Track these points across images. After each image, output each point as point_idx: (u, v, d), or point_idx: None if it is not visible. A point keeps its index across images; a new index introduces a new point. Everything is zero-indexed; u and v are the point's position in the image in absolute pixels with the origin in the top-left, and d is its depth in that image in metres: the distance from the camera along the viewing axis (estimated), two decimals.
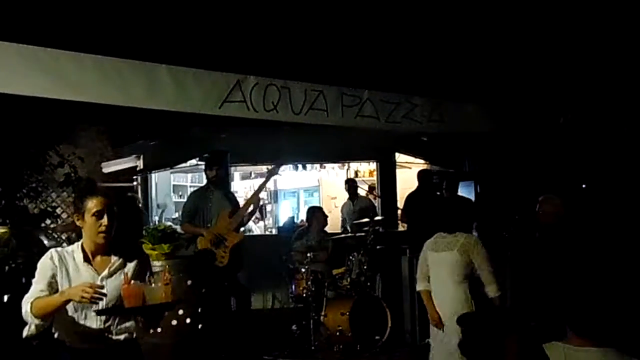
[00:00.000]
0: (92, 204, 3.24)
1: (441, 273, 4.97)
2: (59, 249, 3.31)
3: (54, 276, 3.20)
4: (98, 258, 3.33)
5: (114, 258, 3.36)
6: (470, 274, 4.88)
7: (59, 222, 11.29)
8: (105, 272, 3.31)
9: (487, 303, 4.86)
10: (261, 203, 9.23)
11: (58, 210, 11.67)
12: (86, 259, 3.29)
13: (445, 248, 4.96)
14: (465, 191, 10.96)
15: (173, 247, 5.93)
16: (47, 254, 3.27)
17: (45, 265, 3.21)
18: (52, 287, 3.18)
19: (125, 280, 3.18)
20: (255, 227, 11.53)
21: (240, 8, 6.58)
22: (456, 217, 5.17)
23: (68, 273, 3.23)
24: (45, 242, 8.30)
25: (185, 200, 8.08)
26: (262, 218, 12.08)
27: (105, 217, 3.25)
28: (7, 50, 5.17)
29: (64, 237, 9.23)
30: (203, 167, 7.60)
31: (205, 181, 7.37)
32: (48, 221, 11.04)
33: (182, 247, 6.46)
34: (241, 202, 7.34)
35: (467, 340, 4.51)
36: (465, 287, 4.86)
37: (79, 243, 3.34)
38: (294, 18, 6.76)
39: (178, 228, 6.93)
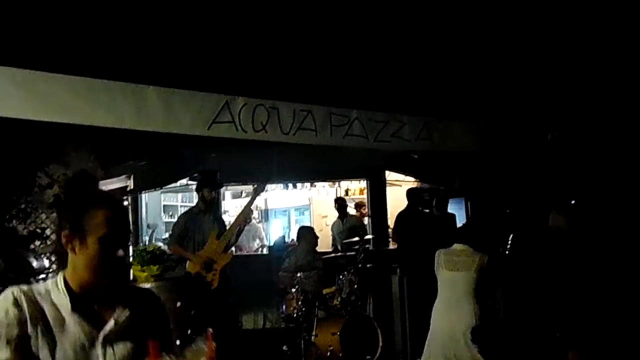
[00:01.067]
0: (99, 222, 1.99)
1: (456, 290, 5.04)
2: (24, 287, 1.97)
3: (22, 337, 1.87)
4: (94, 305, 2.03)
5: (118, 307, 2.07)
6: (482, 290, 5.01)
7: (49, 243, 11.25)
8: (109, 327, 2.02)
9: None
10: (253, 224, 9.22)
11: (47, 232, 11.64)
12: (76, 306, 1.97)
13: (462, 268, 5.09)
14: (455, 208, 10.99)
15: (162, 268, 5.92)
16: (6, 297, 1.91)
17: (6, 319, 1.87)
18: (22, 355, 1.86)
19: (152, 354, 1.87)
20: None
21: (228, 29, 6.61)
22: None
23: (47, 329, 1.91)
24: (35, 264, 8.26)
25: (175, 220, 8.07)
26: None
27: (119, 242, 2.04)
28: None
29: (53, 259, 9.19)
30: (194, 187, 7.59)
31: (195, 201, 7.37)
32: (37, 242, 11.00)
33: (170, 268, 6.45)
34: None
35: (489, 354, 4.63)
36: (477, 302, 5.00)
37: (60, 279, 2.02)
38: (281, 39, 6.80)
39: (167, 249, 6.91)
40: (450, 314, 5.16)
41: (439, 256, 5.35)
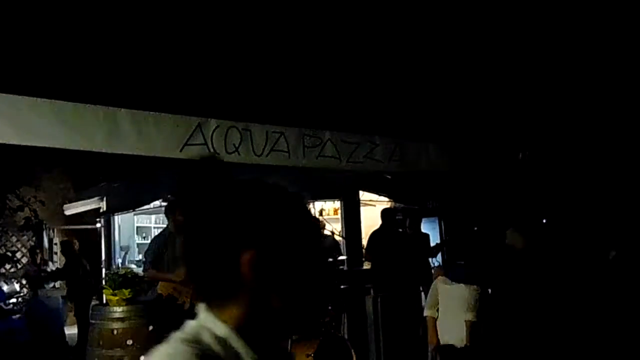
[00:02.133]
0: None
1: (452, 304, 5.22)
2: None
3: None
4: None
5: None
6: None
7: (19, 267, 11.12)
8: None
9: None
10: None
11: (18, 255, 11.51)
12: None
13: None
14: (430, 227, 11.06)
15: (134, 292, 5.87)
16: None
17: None
18: None
19: None
20: None
21: (200, 52, 6.65)
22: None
23: None
24: (5, 287, 8.16)
25: (148, 242, 8.00)
26: None
27: None
28: None
29: (23, 282, 9.09)
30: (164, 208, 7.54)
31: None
32: (8, 266, 10.88)
33: (143, 291, 6.40)
34: None
35: None
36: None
37: (233, 333, 1.22)
38: (254, 61, 6.84)
39: (140, 271, 6.85)
40: (444, 326, 5.33)
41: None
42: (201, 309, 1.29)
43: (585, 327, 4.78)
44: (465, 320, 5.15)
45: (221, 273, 1.23)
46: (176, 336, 1.21)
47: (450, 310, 5.32)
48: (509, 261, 5.48)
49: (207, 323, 1.25)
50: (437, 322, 5.47)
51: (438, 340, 5.36)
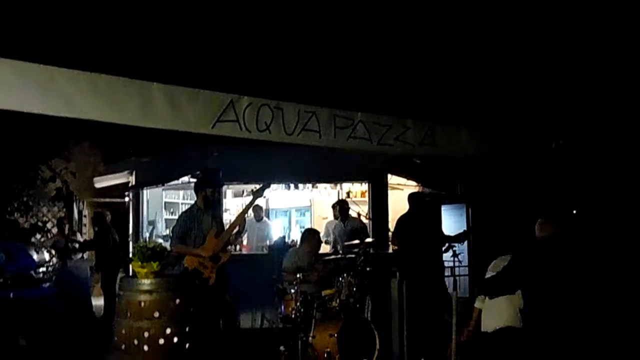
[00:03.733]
0: None
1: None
2: None
3: None
4: None
5: None
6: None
7: (49, 236, 11.30)
8: None
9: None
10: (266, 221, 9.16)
11: (49, 225, 11.69)
12: None
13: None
14: (457, 213, 11.02)
15: (162, 265, 5.92)
16: None
17: None
18: None
19: None
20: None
21: (236, 29, 6.63)
22: None
23: None
24: (35, 256, 8.28)
25: (176, 218, 8.08)
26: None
27: None
28: (1, 66, 5.19)
29: (53, 252, 9.23)
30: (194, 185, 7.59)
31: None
32: (38, 235, 11.05)
33: (170, 265, 6.46)
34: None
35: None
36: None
37: None
38: (288, 40, 6.81)
39: (168, 245, 6.91)
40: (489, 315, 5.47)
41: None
42: None
43: (623, 320, 4.72)
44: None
45: None
46: None
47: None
48: (539, 252, 5.41)
49: None
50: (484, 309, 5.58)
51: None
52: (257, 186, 7.53)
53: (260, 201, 10.29)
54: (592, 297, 4.54)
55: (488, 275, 5.50)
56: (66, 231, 10.63)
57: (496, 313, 5.45)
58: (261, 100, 6.39)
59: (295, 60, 7.35)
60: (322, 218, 11.71)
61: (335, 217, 10.55)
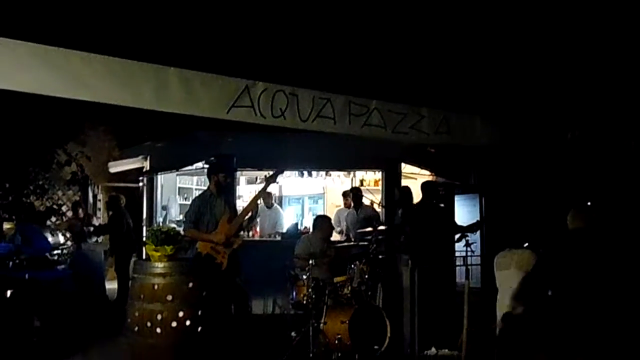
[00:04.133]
0: None
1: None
2: None
3: None
4: None
5: None
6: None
7: (64, 219, 11.39)
8: None
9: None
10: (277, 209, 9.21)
11: (64, 208, 11.79)
12: None
13: (504, 267, 5.26)
14: (470, 203, 10.99)
15: (175, 249, 5.95)
16: None
17: None
18: None
19: None
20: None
21: (252, 15, 6.62)
22: None
23: None
24: (50, 239, 8.36)
25: (189, 203, 8.11)
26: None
27: None
28: (18, 49, 5.22)
29: (68, 235, 9.31)
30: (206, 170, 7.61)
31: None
32: (54, 219, 11.15)
33: (184, 249, 6.49)
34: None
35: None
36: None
37: None
38: (304, 27, 6.79)
39: (181, 230, 6.95)
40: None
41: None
42: None
43: None
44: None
45: None
46: None
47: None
48: (573, 244, 5.38)
49: None
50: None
51: None
52: (271, 173, 7.55)
53: (273, 188, 10.32)
54: (623, 288, 4.51)
55: (497, 272, 5.49)
56: (81, 215, 10.71)
57: (507, 299, 5.44)
58: (276, 86, 6.38)
59: (311, 46, 7.33)
60: (335, 206, 11.71)
61: (346, 206, 10.56)
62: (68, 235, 9.37)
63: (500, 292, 5.53)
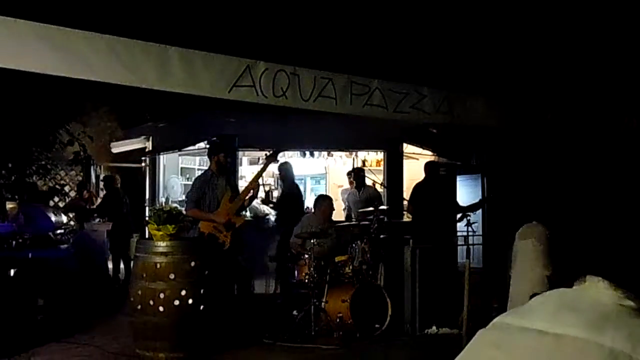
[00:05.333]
0: None
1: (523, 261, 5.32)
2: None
3: None
4: None
5: None
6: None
7: (67, 199, 11.43)
8: None
9: None
10: (267, 189, 9.28)
11: (66, 188, 11.83)
12: None
13: (523, 237, 5.31)
14: (472, 184, 11.00)
15: (178, 228, 5.99)
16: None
17: None
18: None
19: None
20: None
21: None
22: None
23: None
24: (53, 218, 8.39)
25: (191, 183, 8.14)
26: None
27: None
28: (20, 28, 5.22)
29: (70, 215, 9.35)
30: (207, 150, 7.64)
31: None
32: (56, 199, 11.19)
33: (186, 228, 6.53)
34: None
35: None
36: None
37: None
38: (305, 5, 6.77)
39: (183, 210, 6.99)
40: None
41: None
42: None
43: None
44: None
45: None
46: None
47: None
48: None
49: None
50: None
51: None
52: (266, 153, 7.57)
53: (275, 168, 10.32)
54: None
55: (516, 243, 5.50)
56: (85, 195, 10.74)
57: (520, 279, 5.46)
58: (278, 65, 6.38)
59: (313, 25, 7.30)
60: (338, 186, 11.75)
61: (351, 184, 10.59)
62: (71, 214, 9.41)
63: (518, 261, 5.53)
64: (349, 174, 10.80)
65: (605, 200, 1.27)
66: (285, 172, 8.87)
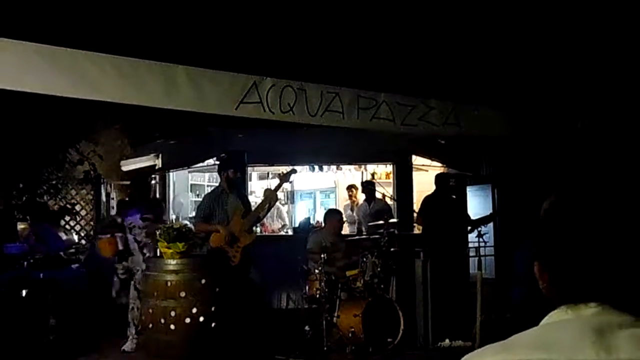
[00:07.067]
0: None
1: None
2: None
3: None
4: None
5: None
6: None
7: (78, 219, 11.47)
8: None
9: None
10: (277, 205, 9.30)
11: (77, 207, 11.87)
12: None
13: None
14: (482, 194, 10.95)
15: (188, 246, 5.99)
16: None
17: None
18: None
19: None
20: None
21: (257, 10, 6.62)
22: None
23: None
24: (64, 237, 8.43)
25: (201, 200, 8.16)
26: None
27: None
28: (27, 50, 5.25)
29: (82, 234, 9.38)
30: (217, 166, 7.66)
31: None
32: (67, 218, 11.24)
33: (196, 246, 6.53)
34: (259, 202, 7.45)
35: None
36: None
37: None
38: (310, 20, 6.79)
39: (193, 227, 7.00)
40: None
41: None
42: None
43: None
44: None
45: None
46: None
47: None
48: None
49: None
50: None
51: None
52: (283, 169, 7.58)
53: (286, 184, 10.34)
54: None
55: None
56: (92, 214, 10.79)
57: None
58: (284, 81, 6.38)
59: (319, 40, 7.31)
60: (347, 200, 11.73)
61: (351, 200, 10.62)
62: (82, 233, 9.44)
63: None
64: (348, 188, 10.85)
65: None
66: None
